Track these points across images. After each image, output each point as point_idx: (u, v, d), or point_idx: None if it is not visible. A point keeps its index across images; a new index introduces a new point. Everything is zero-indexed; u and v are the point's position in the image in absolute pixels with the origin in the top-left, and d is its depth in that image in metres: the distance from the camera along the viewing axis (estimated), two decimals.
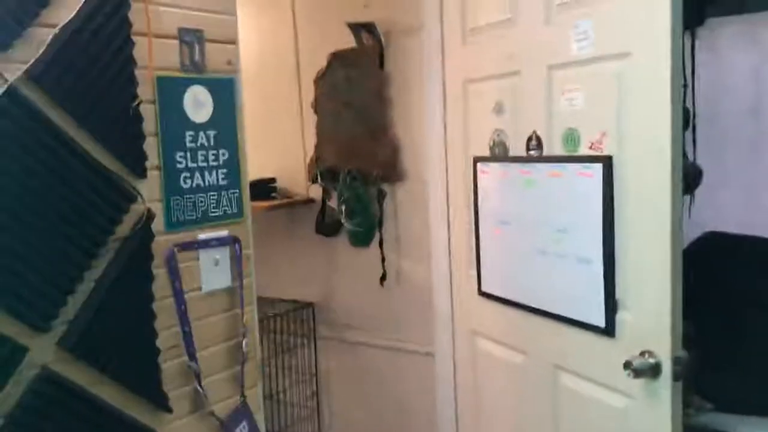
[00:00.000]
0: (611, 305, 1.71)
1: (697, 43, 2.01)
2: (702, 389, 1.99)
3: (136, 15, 1.37)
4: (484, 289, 2.21)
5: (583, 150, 1.76)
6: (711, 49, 2.18)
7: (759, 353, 1.98)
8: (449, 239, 2.44)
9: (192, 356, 1.51)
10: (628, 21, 1.60)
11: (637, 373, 1.60)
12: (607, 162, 1.68)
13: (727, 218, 2.17)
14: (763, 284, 2.04)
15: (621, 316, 1.70)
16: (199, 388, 1.51)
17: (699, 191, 2.06)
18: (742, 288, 2.05)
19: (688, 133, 2.01)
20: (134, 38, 1.37)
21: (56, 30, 1.24)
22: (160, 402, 1.45)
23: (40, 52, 1.22)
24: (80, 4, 1.26)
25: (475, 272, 2.25)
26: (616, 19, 1.64)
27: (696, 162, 2.04)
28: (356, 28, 2.66)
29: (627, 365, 1.60)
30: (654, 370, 1.59)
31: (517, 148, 2.00)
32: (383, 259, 2.73)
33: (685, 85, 1.55)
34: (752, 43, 2.16)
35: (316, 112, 2.85)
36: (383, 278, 2.75)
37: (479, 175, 2.18)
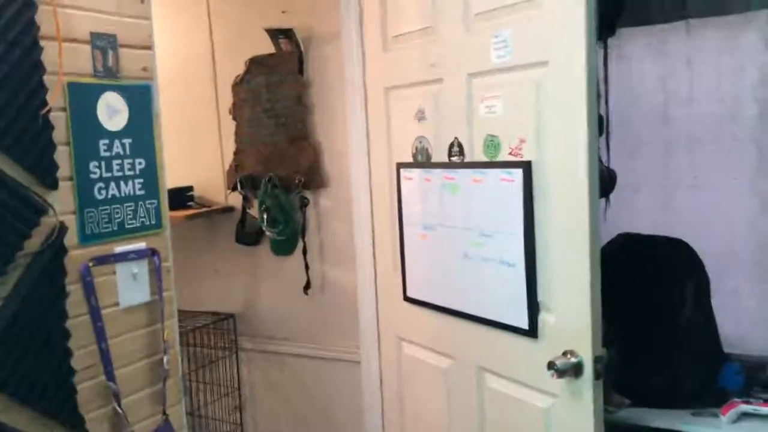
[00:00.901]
0: (533, 307, 1.75)
1: (609, 52, 2.10)
2: (620, 386, 2.07)
3: (44, 18, 1.29)
4: (409, 294, 2.22)
5: (504, 156, 1.79)
6: (621, 58, 2.28)
7: (670, 350, 2.07)
8: (374, 245, 2.44)
9: (110, 375, 1.44)
10: (546, 31, 1.65)
11: (560, 372, 1.63)
12: (527, 167, 1.72)
13: (640, 220, 2.27)
14: (672, 282, 2.13)
15: (543, 318, 1.74)
16: (118, 408, 1.45)
17: (614, 195, 2.14)
18: (652, 287, 2.14)
19: (602, 139, 2.09)
20: (42, 43, 1.29)
21: None
22: (76, 425, 1.37)
23: None
24: None
25: (400, 278, 2.25)
26: (533, 29, 1.68)
27: (610, 167, 2.12)
28: (274, 34, 2.63)
29: (550, 365, 1.64)
30: (576, 370, 1.64)
31: (440, 155, 2.02)
32: (307, 268, 2.71)
33: (598, 93, 1.60)
34: (659, 53, 2.28)
35: (234, 118, 2.80)
36: (307, 287, 2.72)
37: (403, 181, 2.19)
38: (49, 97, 1.31)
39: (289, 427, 2.94)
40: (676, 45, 2.24)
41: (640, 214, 2.33)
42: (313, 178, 2.66)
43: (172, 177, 2.08)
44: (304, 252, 2.71)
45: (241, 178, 2.76)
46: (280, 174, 2.67)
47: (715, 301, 2.14)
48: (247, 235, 2.82)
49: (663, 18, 2.19)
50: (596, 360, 1.62)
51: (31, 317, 1.28)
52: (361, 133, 2.41)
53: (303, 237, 2.71)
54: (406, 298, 2.23)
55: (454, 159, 1.96)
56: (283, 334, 2.86)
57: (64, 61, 1.33)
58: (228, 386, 2.97)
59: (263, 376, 2.95)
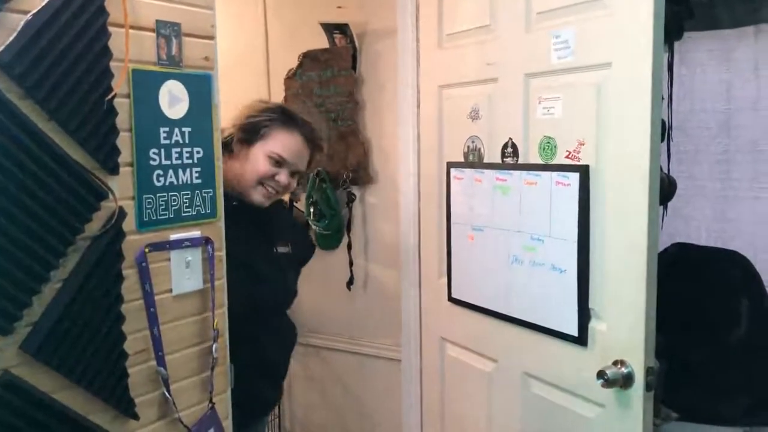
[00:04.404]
0: (584, 314, 1.72)
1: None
2: (667, 399, 2.02)
3: (112, 4, 1.31)
4: (454, 295, 2.20)
5: (560, 159, 1.77)
6: (684, 63, 2.22)
7: (721, 367, 2.01)
8: (419, 244, 2.42)
9: (161, 361, 1.45)
10: (610, 32, 1.61)
11: (610, 382, 1.61)
12: (584, 171, 1.69)
13: (696, 230, 2.22)
14: (727, 297, 2.07)
15: (594, 326, 1.71)
16: (167, 394, 1.45)
17: (670, 203, 2.09)
18: (706, 300, 2.08)
19: (663, 145, 2.04)
20: (110, 29, 1.30)
21: (29, 16, 1.17)
22: (127, 409, 1.39)
23: (11, 38, 1.16)
24: None
25: (445, 278, 2.24)
26: (597, 29, 1.65)
27: (670, 174, 2.07)
28: (329, 28, 2.63)
29: (600, 374, 1.61)
30: (626, 380, 1.61)
31: (492, 155, 2.00)
32: (351, 263, 2.71)
33: (662, 97, 1.56)
34: (724, 59, 2.22)
35: None
36: (350, 282, 2.72)
37: (452, 180, 2.17)
38: (114, 83, 1.32)
39: (326, 421, 2.95)
40: (744, 51, 2.18)
41: (695, 224, 2.27)
42: (361, 174, 2.66)
43: None
44: (349, 247, 2.71)
45: None
46: (329, 169, 2.67)
47: None
48: None
49: (732, 23, 2.12)
50: (648, 371, 1.58)
51: (89, 300, 1.29)
52: (412, 130, 2.40)
53: (348, 232, 2.71)
54: (451, 299, 2.22)
55: (508, 160, 1.94)
56: (324, 328, 2.86)
57: (129, 48, 1.35)
58: None
59: (303, 369, 2.96)
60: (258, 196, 1.82)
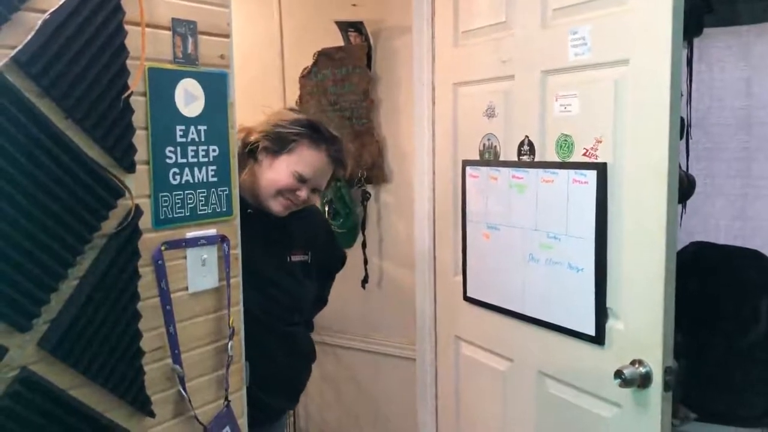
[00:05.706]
0: (601, 313, 1.71)
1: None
2: (685, 398, 2.00)
3: (128, 3, 1.31)
4: (469, 294, 2.19)
5: (577, 156, 1.75)
6: (703, 60, 2.20)
7: (739, 367, 1.99)
8: (434, 242, 2.42)
9: (176, 359, 1.45)
10: (628, 28, 1.60)
11: (627, 382, 1.59)
12: (602, 169, 1.67)
13: (715, 228, 2.19)
14: (746, 296, 2.05)
15: (611, 325, 1.70)
16: (183, 391, 1.46)
17: (688, 201, 2.07)
18: (724, 299, 2.06)
19: (682, 143, 2.02)
20: (126, 27, 1.31)
21: (46, 15, 1.18)
22: (143, 406, 1.39)
23: (29, 37, 1.16)
24: None
25: (460, 277, 2.23)
26: (614, 25, 1.63)
27: (689, 172, 2.05)
28: (344, 26, 2.63)
29: (618, 374, 1.60)
30: (644, 380, 1.59)
31: (509, 153, 1.98)
32: (366, 262, 2.70)
33: (681, 95, 1.54)
34: (743, 55, 2.19)
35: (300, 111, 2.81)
36: (365, 281, 2.72)
37: (468, 178, 2.16)
38: (130, 82, 1.32)
39: (340, 420, 2.95)
40: (763, 47, 2.15)
41: (715, 222, 2.25)
42: (376, 172, 2.66)
43: None
44: (364, 246, 2.70)
45: None
46: None
47: None
48: None
49: (751, 19, 2.10)
50: (666, 371, 1.57)
51: (105, 297, 1.30)
52: (427, 128, 2.39)
53: (363, 231, 2.71)
54: (466, 298, 2.21)
55: (524, 158, 1.92)
56: (338, 327, 2.86)
57: (145, 47, 1.35)
58: None
59: (317, 367, 2.95)
60: (277, 206, 1.81)
